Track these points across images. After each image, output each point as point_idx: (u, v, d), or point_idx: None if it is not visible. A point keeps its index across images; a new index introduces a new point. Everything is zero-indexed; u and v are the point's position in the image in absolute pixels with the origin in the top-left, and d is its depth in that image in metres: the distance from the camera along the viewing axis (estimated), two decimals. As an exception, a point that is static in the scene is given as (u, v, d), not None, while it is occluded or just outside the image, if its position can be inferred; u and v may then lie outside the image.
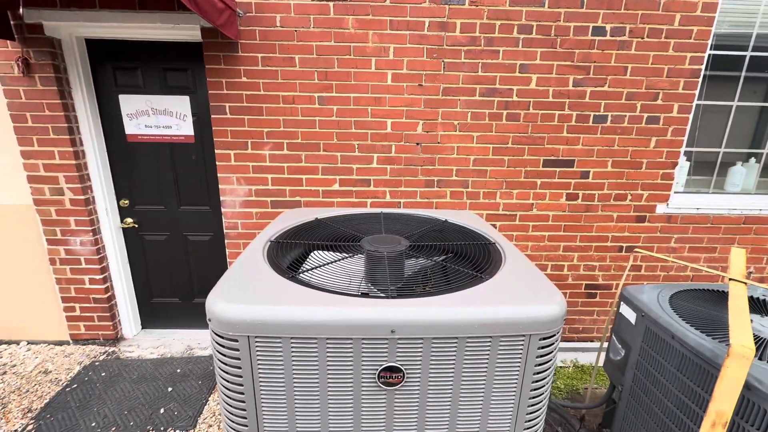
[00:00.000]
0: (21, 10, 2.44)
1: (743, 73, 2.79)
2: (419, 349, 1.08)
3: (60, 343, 3.15)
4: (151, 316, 3.36)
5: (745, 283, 1.70)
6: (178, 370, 2.85)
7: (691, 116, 2.74)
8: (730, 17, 2.67)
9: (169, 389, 2.65)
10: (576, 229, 2.97)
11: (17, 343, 3.14)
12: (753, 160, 3.00)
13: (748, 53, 2.75)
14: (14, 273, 2.99)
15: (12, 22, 2.47)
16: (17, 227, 2.88)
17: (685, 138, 2.79)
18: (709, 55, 2.71)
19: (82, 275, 2.97)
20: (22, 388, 2.64)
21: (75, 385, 2.67)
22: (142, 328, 3.38)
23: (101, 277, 2.98)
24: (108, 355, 3.02)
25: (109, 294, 3.07)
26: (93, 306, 3.05)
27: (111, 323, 3.10)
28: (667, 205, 2.92)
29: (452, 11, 2.52)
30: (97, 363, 2.91)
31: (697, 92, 2.70)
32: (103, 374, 2.78)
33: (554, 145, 2.78)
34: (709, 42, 2.61)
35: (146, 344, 3.18)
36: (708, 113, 2.87)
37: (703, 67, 2.65)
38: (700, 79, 2.68)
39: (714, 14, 2.55)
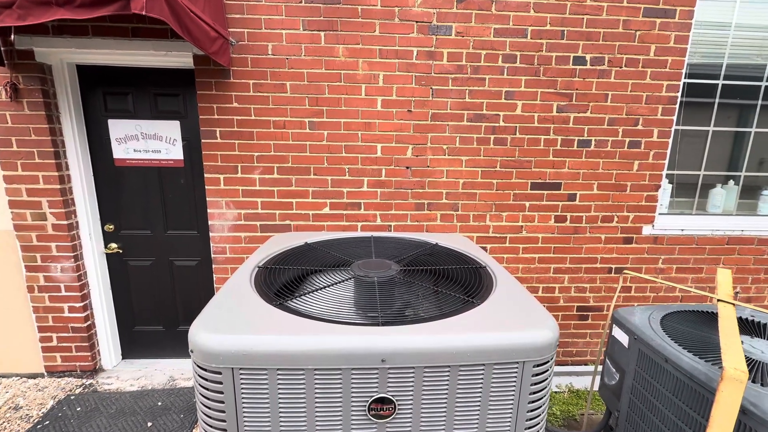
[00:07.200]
0: (12, 36, 2.47)
1: (717, 100, 2.92)
2: (411, 379, 1.05)
3: (33, 376, 2.99)
4: (133, 346, 3.22)
5: (734, 304, 1.71)
6: (159, 403, 2.71)
7: (670, 141, 2.84)
8: (702, 48, 2.83)
9: (149, 424, 2.51)
10: (565, 251, 2.98)
11: (-13, 376, 2.97)
12: (732, 182, 3.10)
13: (720, 81, 2.89)
14: (-11, 302, 2.86)
15: (2, 48, 2.47)
16: (-5, 254, 2.78)
17: (666, 161, 2.88)
18: (684, 83, 2.84)
19: (61, 303, 2.86)
20: (-11, 427, 2.48)
21: (47, 422, 2.51)
22: (123, 359, 3.23)
23: (81, 305, 2.87)
24: (85, 388, 2.86)
25: (89, 323, 2.95)
26: (71, 336, 2.92)
27: (89, 354, 2.97)
28: (653, 226, 2.97)
29: (439, 41, 2.61)
30: (72, 397, 2.75)
31: (675, 118, 2.81)
32: (79, 409, 2.63)
33: (541, 168, 2.84)
34: (683, 71, 2.74)
35: (126, 375, 3.03)
36: (687, 137, 2.98)
37: (679, 94, 2.77)
38: (677, 106, 2.80)
39: (686, 45, 2.69)
